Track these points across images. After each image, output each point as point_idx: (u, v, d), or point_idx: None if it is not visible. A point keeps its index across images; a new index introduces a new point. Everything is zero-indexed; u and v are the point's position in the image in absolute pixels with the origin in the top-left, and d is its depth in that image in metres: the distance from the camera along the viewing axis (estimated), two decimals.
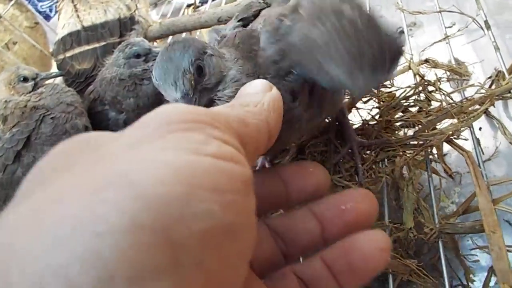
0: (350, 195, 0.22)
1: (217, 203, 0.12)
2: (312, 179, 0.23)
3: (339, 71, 0.27)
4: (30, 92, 0.56)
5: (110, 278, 0.10)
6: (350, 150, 0.45)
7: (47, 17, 0.94)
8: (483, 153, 0.42)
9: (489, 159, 0.49)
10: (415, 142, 0.44)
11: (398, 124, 0.45)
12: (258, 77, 0.28)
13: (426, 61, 0.49)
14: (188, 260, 0.11)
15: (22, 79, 0.56)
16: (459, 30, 0.58)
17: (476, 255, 0.46)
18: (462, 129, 0.40)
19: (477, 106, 0.43)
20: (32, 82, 0.56)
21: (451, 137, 0.41)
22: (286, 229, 0.22)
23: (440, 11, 0.52)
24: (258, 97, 0.19)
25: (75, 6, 0.64)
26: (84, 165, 0.13)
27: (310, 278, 0.21)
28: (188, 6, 0.92)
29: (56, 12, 0.95)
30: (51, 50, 0.91)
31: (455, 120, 0.41)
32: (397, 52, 0.31)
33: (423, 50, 0.48)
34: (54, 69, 0.92)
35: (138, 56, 0.59)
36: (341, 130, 0.46)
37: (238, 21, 0.38)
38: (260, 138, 0.18)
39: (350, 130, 0.44)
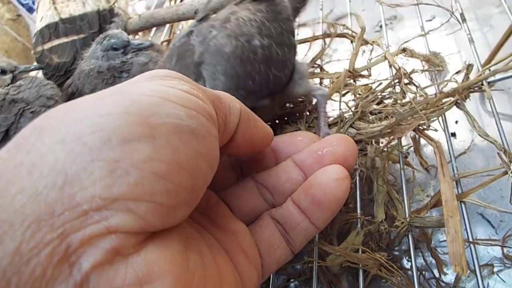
0: (327, 140, 0.24)
1: (183, 112, 0.17)
2: (301, 146, 0.25)
3: (222, 81, 0.33)
4: (8, 85, 0.56)
5: (109, 138, 0.15)
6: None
7: (30, 10, 0.92)
8: (452, 146, 0.42)
9: (464, 153, 0.50)
10: (388, 131, 0.44)
11: (372, 116, 0.45)
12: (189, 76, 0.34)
13: (404, 50, 0.49)
14: (160, 136, 0.16)
15: (0, 71, 0.55)
16: (442, 25, 0.58)
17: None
18: (432, 119, 0.40)
19: (451, 99, 0.43)
20: (11, 75, 0.56)
21: (421, 127, 0.42)
22: (272, 181, 0.25)
23: (417, 4, 0.52)
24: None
25: None
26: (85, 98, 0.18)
27: (283, 217, 0.23)
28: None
29: None
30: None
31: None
32: (280, 88, 0.38)
33: (404, 43, 0.48)
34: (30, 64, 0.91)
35: (115, 49, 0.58)
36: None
37: (198, 21, 0.41)
38: (230, 116, 0.21)
39: (320, 121, 0.45)
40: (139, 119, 0.16)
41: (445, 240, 0.45)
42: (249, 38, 0.36)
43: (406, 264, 0.46)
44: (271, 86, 0.37)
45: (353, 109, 0.47)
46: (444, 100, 0.43)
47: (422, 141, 0.51)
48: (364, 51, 0.54)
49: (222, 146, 0.22)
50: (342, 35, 0.57)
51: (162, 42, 0.73)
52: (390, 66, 0.49)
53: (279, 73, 0.38)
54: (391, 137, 0.42)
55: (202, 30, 0.37)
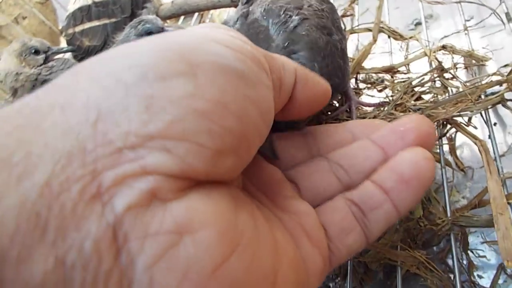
0: (406, 118, 0.22)
1: (228, 52, 0.16)
2: (380, 128, 0.23)
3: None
4: (40, 65, 0.55)
5: (146, 74, 0.14)
6: (348, 109, 0.46)
7: None
8: (496, 145, 0.41)
9: (503, 155, 0.49)
10: (431, 112, 0.43)
11: (412, 110, 0.44)
12: None
13: (443, 47, 0.48)
14: (203, 74, 0.15)
15: (33, 51, 0.55)
16: (480, 22, 0.57)
17: (483, 250, 0.45)
18: (475, 111, 0.39)
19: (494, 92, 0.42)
20: (43, 55, 0.56)
21: (462, 125, 0.41)
22: (349, 159, 0.22)
23: (459, 1, 0.51)
24: None
25: None
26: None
27: (361, 198, 0.21)
28: None
29: None
30: (60, 27, 0.91)
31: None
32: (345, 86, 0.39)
33: (444, 37, 0.47)
34: (62, 46, 0.91)
35: (150, 33, 0.58)
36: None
37: (244, 4, 0.40)
38: (284, 75, 0.20)
39: (349, 91, 0.46)
40: (179, 56, 0.15)
41: (482, 242, 0.44)
42: (330, 31, 0.36)
43: (440, 265, 0.45)
44: (347, 79, 0.38)
45: (392, 102, 0.46)
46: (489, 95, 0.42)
47: (457, 142, 0.50)
48: (401, 47, 0.54)
49: (283, 109, 0.21)
50: (365, 30, 0.57)
51: None
52: (430, 62, 0.48)
53: (348, 66, 0.38)
54: (434, 122, 0.41)
55: (273, 12, 0.36)
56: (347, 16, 0.56)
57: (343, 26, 0.57)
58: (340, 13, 0.60)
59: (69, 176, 0.12)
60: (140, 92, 0.14)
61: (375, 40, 0.50)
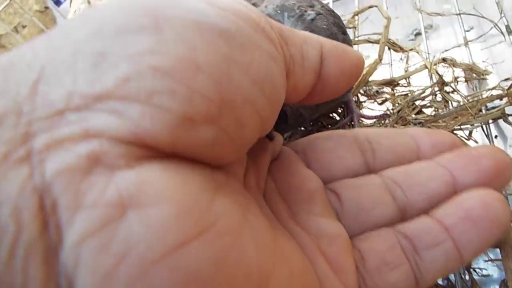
0: (480, 147, 0.20)
1: (211, 9, 0.14)
2: (447, 138, 0.20)
3: None
4: None
5: (100, 29, 0.13)
6: (350, 122, 0.46)
7: (58, 3, 0.92)
8: None
9: None
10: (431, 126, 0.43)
11: (412, 123, 0.44)
12: None
13: (444, 60, 0.48)
14: (169, 29, 0.13)
15: None
16: (480, 36, 0.57)
17: (486, 269, 0.45)
18: (476, 124, 0.39)
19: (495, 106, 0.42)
20: None
21: (463, 137, 0.41)
22: (407, 179, 0.19)
23: (459, 14, 0.51)
24: None
25: None
26: None
27: (415, 231, 0.17)
28: None
29: None
30: None
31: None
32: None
33: (444, 51, 0.47)
34: None
35: None
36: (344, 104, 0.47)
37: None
38: (307, 49, 0.17)
39: (351, 103, 0.46)
40: (144, 10, 0.13)
41: (486, 261, 0.44)
42: (344, 31, 0.37)
43: (442, 281, 0.45)
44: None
45: (393, 115, 0.46)
46: (489, 110, 0.42)
47: None
48: (401, 58, 0.53)
49: (312, 91, 0.18)
50: (363, 42, 0.57)
51: None
52: (431, 75, 0.48)
53: None
54: None
55: (285, 7, 0.36)
56: (350, 28, 0.56)
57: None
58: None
59: None
60: (90, 49, 0.12)
61: (380, 59, 0.50)
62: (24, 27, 0.83)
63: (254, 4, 0.40)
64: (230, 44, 0.14)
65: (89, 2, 0.62)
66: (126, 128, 0.12)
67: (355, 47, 0.58)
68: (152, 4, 0.13)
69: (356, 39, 0.57)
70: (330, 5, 0.65)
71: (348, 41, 0.36)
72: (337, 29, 0.35)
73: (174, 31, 0.13)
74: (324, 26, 0.34)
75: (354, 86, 0.50)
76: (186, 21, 0.13)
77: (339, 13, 0.66)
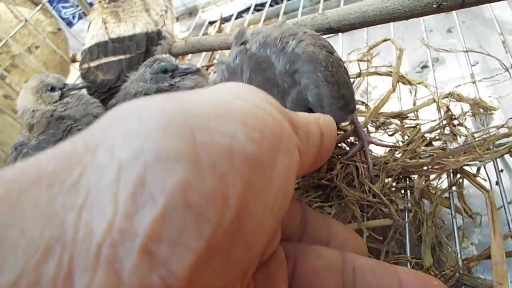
0: (433, 278, 0.22)
1: (242, 132, 0.14)
2: None
3: (324, 91, 0.33)
4: (56, 101, 0.56)
5: (140, 152, 0.13)
6: (363, 149, 0.47)
7: (70, 24, 0.95)
8: (505, 193, 0.42)
9: (511, 202, 0.49)
10: (438, 162, 0.44)
11: (422, 156, 0.46)
12: (278, 84, 0.34)
13: (450, 94, 0.50)
14: (205, 158, 0.13)
15: (49, 88, 0.56)
16: (488, 76, 0.59)
17: None
18: (482, 162, 0.40)
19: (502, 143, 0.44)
20: (59, 92, 0.57)
21: (471, 175, 0.42)
22: (368, 273, 0.21)
23: (466, 51, 0.53)
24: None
25: (105, 18, 0.65)
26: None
27: None
28: (210, 23, 0.93)
29: (79, 18, 0.96)
30: (70, 56, 0.92)
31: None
32: (354, 106, 0.38)
33: (456, 87, 0.49)
34: (72, 74, 0.93)
35: (165, 71, 0.59)
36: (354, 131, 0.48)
37: (239, 45, 0.41)
38: (311, 129, 0.19)
39: (360, 130, 0.46)
40: (183, 133, 0.13)
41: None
42: (330, 50, 0.37)
43: None
44: (353, 99, 0.37)
45: (403, 147, 0.48)
46: (497, 146, 0.44)
47: (466, 184, 0.51)
48: (410, 92, 0.55)
49: (316, 161, 0.19)
50: (374, 73, 0.58)
51: (201, 68, 0.74)
52: (438, 109, 0.50)
53: (352, 88, 0.38)
54: (441, 171, 0.42)
55: (267, 44, 0.37)
56: (364, 61, 0.58)
57: (358, 70, 0.59)
58: (357, 57, 0.63)
59: (39, 277, 0.11)
60: (132, 175, 0.12)
61: (394, 89, 0.52)
62: (37, 47, 0.84)
63: (243, 43, 0.40)
64: (254, 171, 0.14)
65: (106, 28, 0.64)
66: (156, 274, 0.12)
67: (365, 79, 0.60)
68: (190, 124, 0.14)
69: (364, 71, 0.59)
70: (339, 38, 0.67)
71: (335, 58, 0.36)
72: (318, 48, 0.35)
73: (209, 160, 0.13)
74: (301, 52, 0.34)
75: (365, 117, 0.52)
76: (220, 147, 0.14)
77: (345, 44, 0.69)
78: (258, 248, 0.15)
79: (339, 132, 0.52)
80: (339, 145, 0.51)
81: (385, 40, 0.60)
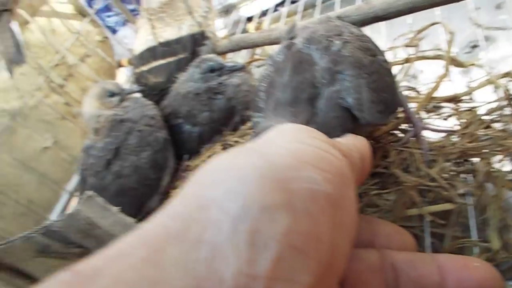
0: (473, 259, 0.22)
1: (319, 176, 0.17)
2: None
3: (365, 96, 0.34)
4: (116, 106, 0.60)
5: (248, 206, 0.15)
6: (415, 135, 0.46)
7: (114, 31, 0.99)
8: None
9: None
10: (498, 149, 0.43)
11: (482, 139, 0.45)
12: (317, 87, 0.34)
13: (508, 74, 0.48)
14: (298, 204, 0.15)
15: (109, 94, 0.60)
16: None
17: None
18: None
19: None
20: (118, 97, 0.61)
21: None
22: (407, 268, 0.22)
23: None
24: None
25: (152, 24, 0.68)
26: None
27: None
28: (248, 19, 0.94)
29: (122, 25, 1.01)
30: (115, 61, 0.97)
31: None
32: (397, 105, 0.39)
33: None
34: (119, 79, 0.98)
35: (213, 70, 0.62)
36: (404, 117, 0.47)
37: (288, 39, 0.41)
38: (353, 156, 0.22)
39: (413, 116, 0.46)
40: (276, 184, 0.16)
41: None
42: (373, 53, 0.37)
43: None
44: (396, 100, 0.38)
45: (459, 131, 0.47)
46: None
47: None
48: (462, 73, 0.54)
49: (357, 182, 0.22)
50: (423, 58, 0.57)
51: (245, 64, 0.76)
52: (495, 89, 0.49)
53: (396, 87, 0.39)
54: (505, 153, 0.42)
55: (313, 40, 0.38)
56: (412, 46, 0.57)
57: (404, 55, 0.58)
58: (403, 42, 0.62)
59: None
60: (246, 227, 0.15)
61: (446, 73, 0.51)
62: (88, 56, 0.89)
63: (291, 38, 0.41)
64: (334, 208, 0.17)
65: (155, 34, 0.67)
66: None
67: (412, 64, 0.59)
68: (279, 177, 0.16)
69: (412, 56, 0.58)
70: (383, 26, 0.66)
71: (378, 62, 0.37)
72: (364, 53, 0.36)
73: (302, 205, 0.16)
74: (347, 54, 0.35)
75: (418, 103, 0.51)
76: (306, 192, 0.16)
77: (387, 28, 0.68)
78: (341, 273, 0.18)
79: (391, 120, 0.52)
80: (392, 132, 0.51)
81: (434, 24, 0.58)
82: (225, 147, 0.61)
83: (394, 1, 0.47)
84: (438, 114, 0.50)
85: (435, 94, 0.52)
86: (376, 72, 0.36)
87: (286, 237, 0.15)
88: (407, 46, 0.58)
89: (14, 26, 0.67)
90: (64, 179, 0.85)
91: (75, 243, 0.34)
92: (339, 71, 0.35)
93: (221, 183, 0.16)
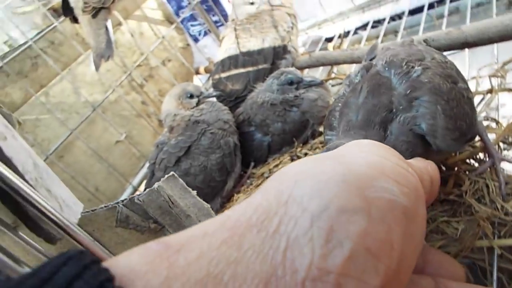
0: None
1: (396, 188, 0.17)
2: None
3: (440, 123, 0.33)
4: (193, 107, 0.62)
5: (327, 206, 0.16)
6: (492, 166, 0.43)
7: (196, 40, 1.04)
8: None
9: None
10: None
11: None
12: (392, 111, 0.34)
13: None
14: (375, 211, 0.16)
15: (189, 95, 0.62)
16: None
17: None
18: None
19: None
20: (196, 99, 0.63)
21: None
22: None
23: None
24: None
25: (237, 34, 0.70)
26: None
27: None
28: (327, 40, 0.94)
29: (204, 35, 1.06)
30: (195, 68, 1.01)
31: None
32: (473, 135, 0.38)
33: None
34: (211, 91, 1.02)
35: (291, 83, 0.62)
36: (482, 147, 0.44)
37: (369, 60, 0.42)
38: (424, 178, 0.22)
39: (491, 147, 0.43)
40: (355, 190, 0.16)
41: None
42: (455, 80, 0.36)
43: None
44: (473, 129, 0.37)
45: None
46: None
47: None
48: None
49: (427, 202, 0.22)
50: (507, 90, 0.53)
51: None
52: None
53: (475, 116, 0.37)
54: None
55: (395, 63, 0.37)
56: (497, 77, 0.54)
57: (487, 85, 0.55)
58: (488, 72, 0.58)
59: None
60: (322, 224, 0.15)
61: None
62: (169, 61, 0.94)
63: (371, 59, 0.40)
64: (408, 220, 0.17)
65: (238, 43, 0.69)
66: None
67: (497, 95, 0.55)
68: (359, 182, 0.17)
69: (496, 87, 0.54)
70: (467, 55, 0.63)
71: (458, 89, 0.35)
72: (443, 80, 0.35)
73: (378, 212, 0.16)
74: (426, 80, 0.35)
75: (496, 135, 0.47)
76: (384, 202, 0.17)
77: (471, 61, 0.64)
78: (406, 284, 0.18)
79: (467, 149, 0.48)
80: (467, 161, 0.48)
81: None
82: (293, 158, 0.60)
83: (486, 28, 0.44)
84: None
85: None
86: (454, 99, 0.35)
87: (361, 238, 0.15)
88: (491, 76, 0.54)
89: (109, 24, 0.72)
90: (131, 173, 0.88)
91: (152, 218, 0.35)
92: (416, 97, 0.35)
93: (303, 183, 0.17)
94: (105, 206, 0.35)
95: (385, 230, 0.16)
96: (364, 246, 0.15)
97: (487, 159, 0.45)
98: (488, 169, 0.44)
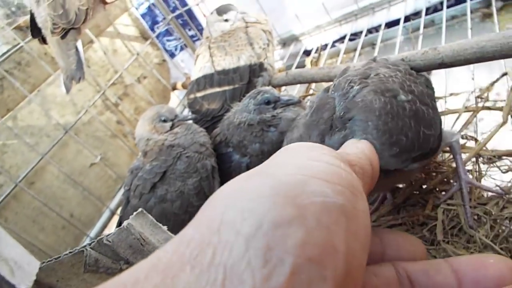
0: (488, 256, 0.22)
1: (329, 188, 0.17)
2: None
3: (375, 137, 0.33)
4: (167, 131, 0.60)
5: (260, 224, 0.15)
6: (460, 189, 0.43)
7: (172, 55, 1.02)
8: None
9: None
10: None
11: None
12: (331, 127, 0.36)
13: None
14: (310, 217, 0.16)
15: (162, 119, 0.60)
16: None
17: None
18: None
19: None
20: (171, 123, 0.60)
21: None
22: (421, 277, 0.22)
23: None
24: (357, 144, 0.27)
25: (212, 52, 0.69)
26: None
27: None
28: (305, 53, 0.93)
29: (180, 50, 1.03)
30: (171, 84, 0.99)
31: None
32: (428, 150, 0.36)
33: None
34: (172, 101, 0.99)
35: (268, 103, 0.60)
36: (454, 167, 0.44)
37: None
38: (363, 163, 0.22)
39: (460, 169, 0.43)
40: (286, 200, 0.16)
41: None
42: (395, 94, 0.36)
43: None
44: (423, 144, 0.35)
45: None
46: None
47: None
48: None
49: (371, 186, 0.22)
50: (485, 108, 0.53)
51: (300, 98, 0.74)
52: None
53: (428, 131, 0.36)
54: None
55: (340, 85, 0.38)
56: (482, 98, 0.54)
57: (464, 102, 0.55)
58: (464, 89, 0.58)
59: None
60: (258, 244, 0.14)
61: (505, 122, 0.47)
62: (145, 77, 0.92)
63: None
64: (348, 217, 0.17)
65: (213, 62, 0.67)
66: None
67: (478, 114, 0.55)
68: (290, 193, 0.16)
69: (471, 106, 0.54)
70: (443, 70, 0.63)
71: (396, 103, 0.35)
72: (378, 96, 0.35)
73: (313, 217, 0.16)
74: (359, 100, 0.35)
75: (470, 154, 0.47)
76: (317, 206, 0.16)
77: (446, 75, 0.64)
78: (361, 282, 0.17)
79: (436, 170, 0.48)
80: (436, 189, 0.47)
81: (504, 74, 0.54)
82: None
83: (463, 50, 0.44)
84: (496, 167, 0.45)
85: (498, 146, 0.47)
86: (389, 113, 0.34)
87: (300, 250, 0.15)
88: (478, 97, 0.54)
89: (79, 44, 0.69)
90: (108, 196, 0.85)
91: (123, 259, 0.33)
92: (349, 117, 0.35)
93: (232, 205, 0.16)
94: (70, 252, 0.33)
95: (324, 235, 0.15)
96: (306, 257, 0.15)
97: (455, 182, 0.44)
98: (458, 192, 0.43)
